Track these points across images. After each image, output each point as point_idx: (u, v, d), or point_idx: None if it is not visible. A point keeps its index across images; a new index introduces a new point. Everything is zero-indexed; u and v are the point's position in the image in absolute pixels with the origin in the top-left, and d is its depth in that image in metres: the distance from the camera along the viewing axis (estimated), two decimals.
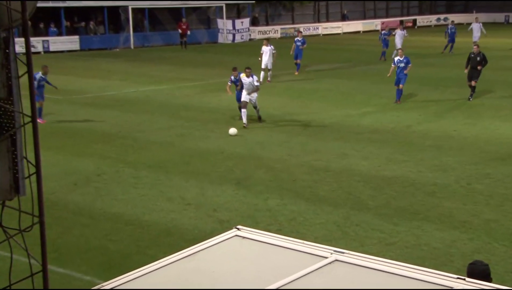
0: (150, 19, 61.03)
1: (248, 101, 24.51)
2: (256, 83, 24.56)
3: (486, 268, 7.46)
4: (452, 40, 47.26)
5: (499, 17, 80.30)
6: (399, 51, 29.85)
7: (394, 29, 47.47)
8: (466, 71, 28.89)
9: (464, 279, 5.32)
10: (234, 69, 25.85)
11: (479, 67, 28.21)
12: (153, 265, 5.77)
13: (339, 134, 23.01)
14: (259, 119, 25.17)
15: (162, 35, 60.82)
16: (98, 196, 16.65)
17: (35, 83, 22.69)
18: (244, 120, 24.16)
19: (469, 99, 28.30)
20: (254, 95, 24.60)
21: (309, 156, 20.08)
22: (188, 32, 58.41)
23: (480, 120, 24.79)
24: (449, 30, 48.03)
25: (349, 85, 33.87)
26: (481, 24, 49.16)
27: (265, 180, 17.85)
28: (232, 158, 20.03)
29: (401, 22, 60.85)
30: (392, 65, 28.76)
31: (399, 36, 43.87)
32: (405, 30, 46.93)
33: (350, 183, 17.41)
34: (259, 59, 34.63)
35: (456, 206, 15.50)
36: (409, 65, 28.06)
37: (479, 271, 7.38)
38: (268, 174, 18.37)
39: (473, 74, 28.34)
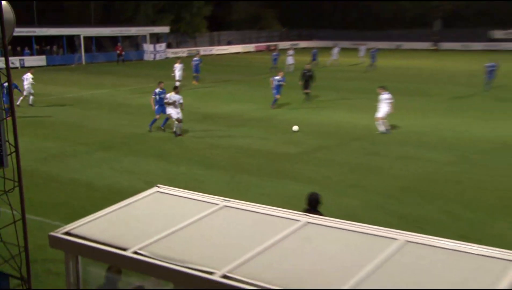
0: (96, 43, 59.80)
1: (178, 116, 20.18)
2: (181, 101, 20.39)
3: (319, 196, 8.50)
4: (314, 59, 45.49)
5: (330, 43, 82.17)
6: (280, 72, 27.11)
7: (286, 50, 46.00)
8: (300, 83, 28.24)
9: (307, 215, 5.54)
10: (160, 83, 21.60)
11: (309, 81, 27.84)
12: (101, 212, 5.73)
13: (227, 121, 23.10)
14: (177, 134, 20.27)
15: (104, 55, 59.52)
16: (62, 167, 16.18)
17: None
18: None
19: (306, 99, 27.81)
20: (179, 110, 20.26)
21: (208, 138, 20.10)
22: (123, 53, 57.68)
23: (322, 110, 25.35)
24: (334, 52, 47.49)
25: (237, 89, 33.96)
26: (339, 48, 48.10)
27: (178, 154, 17.79)
28: (156, 139, 19.82)
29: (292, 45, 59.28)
30: (283, 83, 26.55)
31: (291, 57, 42.66)
32: (293, 52, 45.20)
33: (234, 154, 17.57)
34: (172, 74, 33.80)
35: (304, 167, 15.89)
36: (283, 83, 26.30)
37: (314, 198, 8.44)
38: (179, 150, 18.30)
39: (307, 85, 27.88)
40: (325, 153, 17.56)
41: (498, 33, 75.20)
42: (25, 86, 27.04)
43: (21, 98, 26.85)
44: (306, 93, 28.07)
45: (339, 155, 17.29)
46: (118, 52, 57.27)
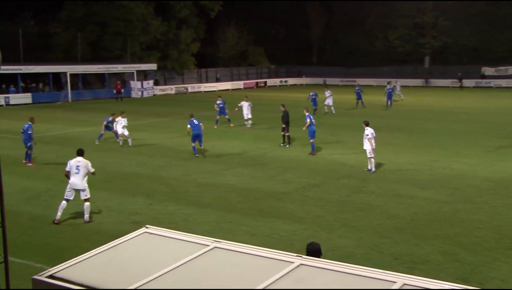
0: (83, 81, 60.11)
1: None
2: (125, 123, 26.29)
3: (319, 246, 7.68)
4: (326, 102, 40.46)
5: (320, 80, 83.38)
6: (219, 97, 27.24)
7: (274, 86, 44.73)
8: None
9: (301, 256, 5.47)
10: (119, 113, 26.85)
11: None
12: (87, 254, 5.61)
13: (217, 159, 23.06)
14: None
15: (91, 92, 59.82)
16: (46, 206, 15.97)
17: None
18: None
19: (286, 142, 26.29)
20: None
21: (196, 175, 20.03)
22: (122, 90, 58.03)
23: (309, 148, 25.38)
24: (324, 95, 41.83)
25: (221, 127, 33.94)
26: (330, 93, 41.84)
27: (166, 192, 17.66)
28: (142, 178, 19.71)
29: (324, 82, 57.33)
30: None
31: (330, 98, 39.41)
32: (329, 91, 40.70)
33: (225, 193, 17.47)
34: (235, 109, 32.48)
35: (295, 207, 15.81)
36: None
37: (314, 249, 7.58)
38: (167, 188, 18.18)
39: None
40: (316, 192, 17.50)
41: (488, 70, 76.38)
42: None
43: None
44: (287, 135, 26.47)
45: (330, 193, 17.24)
46: (115, 90, 57.64)
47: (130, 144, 26.54)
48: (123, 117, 26.66)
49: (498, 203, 15.95)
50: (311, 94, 39.90)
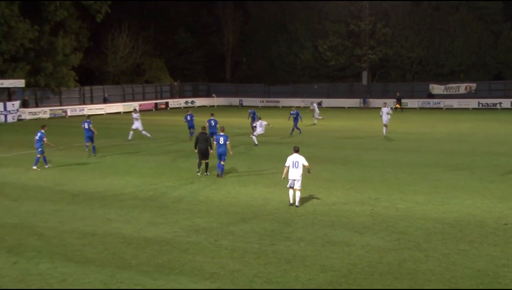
0: None
1: None
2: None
3: None
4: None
5: (235, 100, 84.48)
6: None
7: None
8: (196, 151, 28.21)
9: None
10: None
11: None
12: None
13: (105, 202, 22.65)
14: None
15: None
16: None
17: None
18: None
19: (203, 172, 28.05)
20: None
21: (78, 223, 19.54)
22: None
23: (224, 186, 25.50)
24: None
25: (114, 157, 33.58)
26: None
27: (37, 246, 17.09)
28: (4, 228, 18.98)
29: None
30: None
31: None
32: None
33: (115, 244, 17.13)
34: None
35: (206, 260, 15.71)
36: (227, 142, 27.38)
37: None
38: (39, 241, 17.60)
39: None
40: (232, 240, 17.50)
41: (437, 88, 79.13)
42: None
43: None
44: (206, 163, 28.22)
45: (249, 242, 17.27)
46: None
47: None
48: None
49: (451, 249, 16.53)
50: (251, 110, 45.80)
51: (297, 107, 58.20)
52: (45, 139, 30.30)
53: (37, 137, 30.34)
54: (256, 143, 38.51)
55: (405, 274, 14.58)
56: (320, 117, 55.11)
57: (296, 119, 45.54)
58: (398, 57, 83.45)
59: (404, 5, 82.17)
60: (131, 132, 41.82)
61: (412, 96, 78.28)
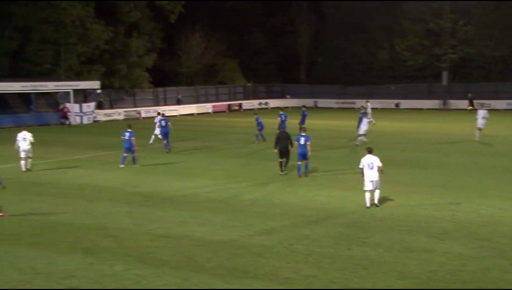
0: (1, 103, 59.37)
1: None
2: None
3: None
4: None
5: (309, 102, 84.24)
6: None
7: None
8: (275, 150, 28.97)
9: None
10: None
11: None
12: None
13: (178, 204, 22.97)
14: None
15: (12, 118, 59.15)
16: None
17: None
18: None
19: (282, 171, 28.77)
20: None
21: (151, 225, 19.89)
22: (68, 114, 59.47)
23: (300, 189, 25.49)
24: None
25: (187, 160, 34.04)
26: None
27: (111, 248, 17.48)
28: (80, 229, 19.49)
29: None
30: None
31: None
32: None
33: (188, 247, 17.34)
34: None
35: (280, 264, 15.73)
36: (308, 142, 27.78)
37: None
38: (114, 243, 18.00)
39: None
40: (307, 244, 17.47)
41: None
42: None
43: None
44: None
45: (324, 247, 17.21)
46: (62, 114, 57.79)
47: (24, 168, 30.37)
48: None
49: None
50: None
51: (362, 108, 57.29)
52: (133, 138, 31.52)
53: (126, 137, 31.55)
54: (365, 140, 38.68)
55: (489, 283, 14.24)
56: (371, 119, 53.76)
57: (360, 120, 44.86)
58: (481, 56, 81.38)
59: (489, 2, 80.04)
60: (152, 136, 42.12)
61: (496, 97, 76.22)
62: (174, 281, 14.60)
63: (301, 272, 15.12)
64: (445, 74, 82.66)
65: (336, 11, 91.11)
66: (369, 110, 54.06)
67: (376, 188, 21.62)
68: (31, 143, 30.90)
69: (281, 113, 43.59)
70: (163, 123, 38.50)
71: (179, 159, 34.50)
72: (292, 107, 74.39)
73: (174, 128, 40.65)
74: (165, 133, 37.98)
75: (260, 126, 42.61)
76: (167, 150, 37.15)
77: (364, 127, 39.47)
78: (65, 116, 60.03)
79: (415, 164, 31.49)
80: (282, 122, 41.24)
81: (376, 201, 21.64)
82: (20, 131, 31.56)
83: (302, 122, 46.20)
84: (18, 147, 30.77)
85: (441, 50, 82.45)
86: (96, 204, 23.13)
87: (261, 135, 42.50)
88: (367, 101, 55.69)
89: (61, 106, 61.04)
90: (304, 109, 49.13)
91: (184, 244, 17.64)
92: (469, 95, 72.78)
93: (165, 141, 37.77)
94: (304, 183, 26.61)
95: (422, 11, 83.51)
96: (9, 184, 25.41)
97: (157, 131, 40.99)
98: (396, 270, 15.18)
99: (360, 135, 39.30)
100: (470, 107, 69.84)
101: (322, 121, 48.74)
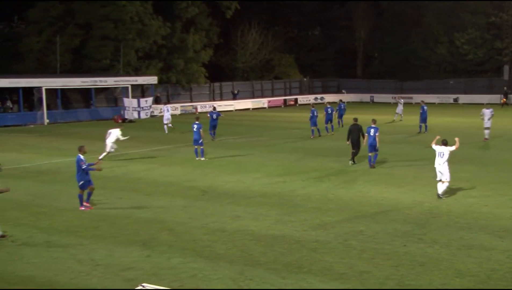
0: (63, 98, 60.41)
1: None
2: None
3: None
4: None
5: (366, 97, 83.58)
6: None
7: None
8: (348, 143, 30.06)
9: None
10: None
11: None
12: None
13: (233, 199, 23.09)
14: None
15: (73, 113, 60.36)
16: (13, 260, 16.06)
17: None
18: None
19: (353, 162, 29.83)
20: None
21: (207, 219, 20.04)
22: (124, 119, 60.22)
23: (355, 184, 25.36)
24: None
25: (242, 155, 34.18)
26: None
27: (168, 241, 17.68)
28: (138, 222, 19.77)
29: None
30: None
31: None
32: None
33: (243, 242, 17.42)
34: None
35: (335, 260, 15.68)
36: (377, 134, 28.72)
37: None
38: (170, 236, 18.20)
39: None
40: (362, 240, 17.37)
41: None
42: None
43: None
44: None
45: (380, 243, 17.08)
46: (115, 122, 58.80)
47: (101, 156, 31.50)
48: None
49: None
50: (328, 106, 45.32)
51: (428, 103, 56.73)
52: (201, 130, 32.51)
53: (195, 129, 32.71)
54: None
55: None
56: (400, 113, 54.99)
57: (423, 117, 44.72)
58: None
59: None
60: (166, 127, 46.95)
61: None
62: (229, 274, 14.68)
63: (355, 268, 15.04)
64: (506, 68, 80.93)
65: (394, 5, 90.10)
66: (401, 107, 54.56)
67: (443, 180, 21.97)
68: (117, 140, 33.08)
69: (328, 106, 44.92)
70: (214, 116, 41.29)
71: (234, 154, 34.67)
72: (347, 102, 73.88)
73: (229, 123, 41.14)
74: (213, 126, 41.03)
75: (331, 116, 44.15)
76: (213, 139, 40.64)
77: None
78: (123, 121, 58.74)
79: (475, 160, 30.98)
80: (329, 115, 43.82)
81: (440, 193, 22.04)
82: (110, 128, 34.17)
83: (340, 116, 48.72)
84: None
85: (502, 44, 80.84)
86: (153, 198, 23.43)
87: (327, 127, 43.78)
88: (400, 97, 57.39)
89: (115, 116, 60.54)
90: (341, 103, 50.45)
91: (239, 238, 17.74)
92: (505, 88, 71.83)
93: (212, 132, 41.01)
94: (359, 179, 26.45)
95: (484, 4, 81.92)
96: (69, 177, 26.00)
97: (165, 118, 46.91)
98: (453, 267, 14.97)
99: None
100: (504, 100, 69.21)
101: (379, 116, 48.25)
